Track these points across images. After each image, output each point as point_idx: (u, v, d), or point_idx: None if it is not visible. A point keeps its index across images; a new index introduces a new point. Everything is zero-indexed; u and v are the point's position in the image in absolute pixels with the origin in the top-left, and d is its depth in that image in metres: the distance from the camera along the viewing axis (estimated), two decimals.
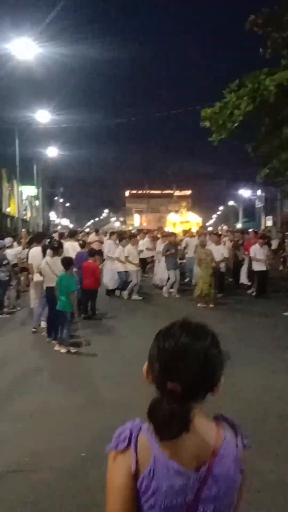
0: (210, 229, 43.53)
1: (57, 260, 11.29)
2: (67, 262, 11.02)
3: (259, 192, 59.43)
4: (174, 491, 1.75)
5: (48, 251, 11.84)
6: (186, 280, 21.33)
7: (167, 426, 1.70)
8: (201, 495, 1.76)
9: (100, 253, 16.69)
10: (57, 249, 11.78)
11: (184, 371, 1.75)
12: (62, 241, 15.15)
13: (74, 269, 12.03)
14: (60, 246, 12.35)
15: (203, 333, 1.85)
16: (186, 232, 25.47)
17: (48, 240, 14.54)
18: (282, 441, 6.25)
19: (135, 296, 17.83)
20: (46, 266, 11.40)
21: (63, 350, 10.49)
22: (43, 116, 38.17)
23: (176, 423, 1.69)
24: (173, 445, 1.75)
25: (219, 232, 26.55)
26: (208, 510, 1.78)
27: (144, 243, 22.77)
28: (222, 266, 17.83)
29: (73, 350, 10.54)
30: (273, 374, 9.05)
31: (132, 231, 33.07)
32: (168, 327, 1.89)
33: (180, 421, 1.70)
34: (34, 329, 12.25)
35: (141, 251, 20.89)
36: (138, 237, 21.50)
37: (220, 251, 17.42)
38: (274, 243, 27.49)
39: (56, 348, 10.62)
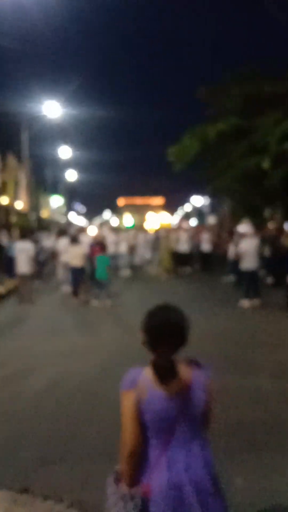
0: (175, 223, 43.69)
1: (75, 247, 11.33)
2: (103, 248, 11.37)
3: (206, 200, 59.30)
4: (163, 410, 1.84)
5: (70, 241, 11.87)
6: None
7: (166, 376, 1.83)
8: (181, 411, 1.85)
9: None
10: (74, 241, 11.78)
11: (170, 338, 1.83)
12: (78, 235, 14.97)
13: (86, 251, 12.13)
14: (77, 238, 12.39)
15: (173, 310, 1.89)
16: (161, 227, 25.27)
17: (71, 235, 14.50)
18: (216, 354, 6.29)
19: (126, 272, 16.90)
20: (69, 252, 11.45)
21: (96, 303, 10.63)
22: (66, 153, 38.44)
23: (170, 374, 1.84)
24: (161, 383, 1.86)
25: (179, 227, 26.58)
26: (185, 420, 1.87)
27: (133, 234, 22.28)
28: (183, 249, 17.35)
29: (96, 302, 10.64)
30: (215, 316, 9.14)
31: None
32: (153, 309, 1.91)
33: (172, 372, 1.84)
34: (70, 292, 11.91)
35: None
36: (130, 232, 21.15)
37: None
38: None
39: (95, 304, 10.65)
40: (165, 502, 1.80)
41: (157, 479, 1.83)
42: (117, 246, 17.02)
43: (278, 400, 4.92)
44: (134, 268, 17.96)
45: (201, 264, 17.98)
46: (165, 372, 1.83)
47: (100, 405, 4.78)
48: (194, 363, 1.95)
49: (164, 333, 1.83)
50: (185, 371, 1.91)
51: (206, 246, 17.24)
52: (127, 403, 1.86)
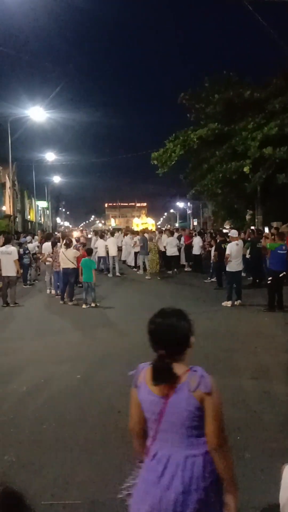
0: (159, 227, 43.85)
1: (69, 250, 11.15)
2: (89, 252, 11.46)
3: (189, 203, 59.61)
4: (148, 402, 1.93)
5: (63, 245, 11.53)
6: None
7: (158, 378, 1.88)
8: (164, 411, 1.89)
9: (85, 245, 15.69)
10: (69, 244, 11.52)
11: (164, 341, 1.90)
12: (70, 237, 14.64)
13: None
14: (70, 241, 12.14)
15: (170, 314, 1.95)
16: (144, 230, 24.44)
17: (59, 237, 14.21)
18: (197, 354, 6.25)
19: (117, 273, 16.34)
20: (62, 255, 11.19)
21: (85, 306, 10.50)
22: (50, 156, 38.32)
23: (164, 375, 1.87)
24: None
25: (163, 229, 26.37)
26: (169, 420, 1.88)
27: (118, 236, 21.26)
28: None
29: (85, 306, 10.50)
30: (198, 316, 9.04)
31: (111, 229, 32.37)
32: (153, 315, 1.99)
33: (167, 374, 1.87)
34: (57, 295, 11.74)
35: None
36: (116, 234, 20.68)
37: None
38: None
39: (83, 306, 10.50)
40: (143, 487, 1.93)
41: (144, 465, 1.98)
42: (106, 249, 16.62)
43: (259, 401, 4.89)
44: (121, 270, 17.71)
45: (193, 266, 17.62)
46: (157, 374, 1.88)
47: (86, 409, 4.68)
48: (193, 369, 1.92)
49: (159, 338, 1.92)
50: (182, 375, 1.90)
51: (197, 248, 17.00)
52: (132, 387, 2.03)
